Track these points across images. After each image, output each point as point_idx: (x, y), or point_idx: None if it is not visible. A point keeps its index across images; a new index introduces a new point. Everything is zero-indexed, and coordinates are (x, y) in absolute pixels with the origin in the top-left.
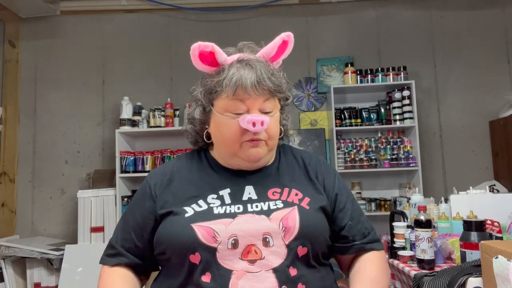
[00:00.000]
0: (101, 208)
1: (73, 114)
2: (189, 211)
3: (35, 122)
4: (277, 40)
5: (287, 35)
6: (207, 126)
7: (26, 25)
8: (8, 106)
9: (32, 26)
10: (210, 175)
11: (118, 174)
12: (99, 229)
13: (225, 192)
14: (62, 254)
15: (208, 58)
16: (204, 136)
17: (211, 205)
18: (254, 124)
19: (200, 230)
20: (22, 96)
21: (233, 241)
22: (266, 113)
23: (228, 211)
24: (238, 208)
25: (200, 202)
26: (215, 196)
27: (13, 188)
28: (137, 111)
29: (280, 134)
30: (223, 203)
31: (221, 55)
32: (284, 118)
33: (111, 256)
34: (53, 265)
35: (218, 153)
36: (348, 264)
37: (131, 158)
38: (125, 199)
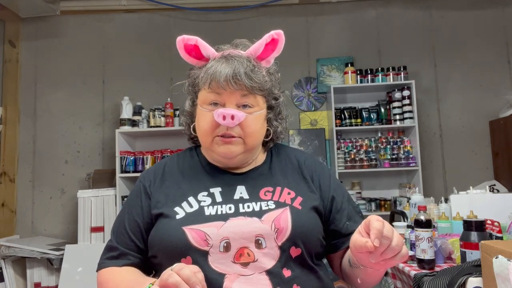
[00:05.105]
0: (101, 208)
1: (73, 114)
2: (180, 212)
3: (35, 122)
4: (266, 37)
5: (277, 33)
6: (195, 119)
7: (26, 25)
8: (8, 106)
9: (32, 26)
10: (202, 174)
11: (118, 174)
12: (99, 229)
13: (216, 190)
14: (62, 254)
15: (194, 51)
16: (191, 129)
17: (202, 204)
18: (224, 118)
19: (192, 233)
20: (22, 96)
21: (225, 244)
22: (245, 109)
23: (219, 212)
24: (230, 209)
25: (191, 199)
26: (205, 193)
27: (13, 188)
28: (137, 111)
29: (269, 136)
30: (214, 202)
31: (206, 49)
32: (275, 119)
33: (114, 258)
34: (53, 265)
35: (203, 149)
36: (340, 260)
37: (131, 158)
38: (125, 199)
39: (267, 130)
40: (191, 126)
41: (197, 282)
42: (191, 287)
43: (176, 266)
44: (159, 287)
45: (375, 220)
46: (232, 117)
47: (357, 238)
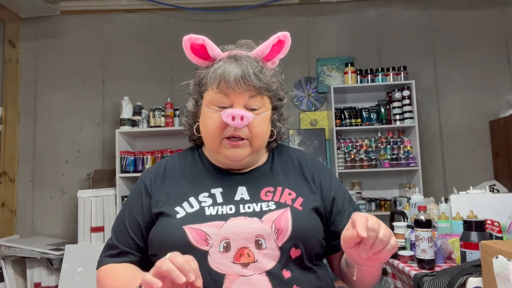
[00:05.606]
0: (101, 208)
1: (73, 114)
2: (181, 211)
3: (35, 122)
4: (273, 38)
5: (284, 35)
6: (199, 120)
7: (26, 25)
8: (8, 106)
9: (32, 26)
10: (203, 174)
11: (118, 174)
12: (99, 229)
13: (217, 191)
14: (62, 254)
15: (200, 51)
16: (195, 129)
17: (202, 204)
18: (233, 118)
19: (192, 232)
20: (22, 96)
21: (225, 244)
22: (252, 110)
23: (220, 212)
24: (230, 209)
25: (192, 200)
26: (206, 194)
27: (13, 188)
28: (137, 111)
29: (272, 136)
30: (214, 203)
31: (212, 49)
32: (278, 120)
33: (114, 256)
34: (53, 265)
35: (207, 150)
36: (339, 261)
37: (131, 158)
38: (125, 199)
39: (271, 131)
40: (194, 127)
41: (190, 270)
42: (184, 274)
43: (170, 254)
44: (154, 275)
45: (357, 216)
46: (242, 118)
47: (345, 232)
